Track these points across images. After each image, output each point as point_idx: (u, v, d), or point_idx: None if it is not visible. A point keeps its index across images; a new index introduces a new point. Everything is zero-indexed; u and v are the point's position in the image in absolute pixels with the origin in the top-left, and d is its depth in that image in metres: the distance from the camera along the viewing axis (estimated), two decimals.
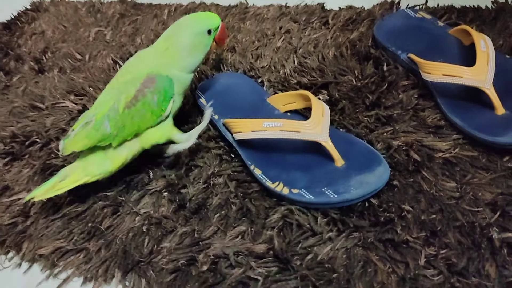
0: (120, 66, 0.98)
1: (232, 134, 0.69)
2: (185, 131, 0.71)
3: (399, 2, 0.93)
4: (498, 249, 0.51)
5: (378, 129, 0.69)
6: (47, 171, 0.77)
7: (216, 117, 0.74)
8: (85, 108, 0.88)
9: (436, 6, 0.90)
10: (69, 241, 0.65)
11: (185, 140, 0.69)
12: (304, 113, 0.73)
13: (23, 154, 0.82)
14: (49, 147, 0.82)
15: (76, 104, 0.90)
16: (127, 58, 0.96)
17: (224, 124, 0.71)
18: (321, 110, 0.64)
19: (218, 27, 0.67)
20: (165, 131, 0.67)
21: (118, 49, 1.05)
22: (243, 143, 0.67)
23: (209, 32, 0.66)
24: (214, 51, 0.88)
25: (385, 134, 0.68)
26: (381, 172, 0.58)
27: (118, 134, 0.63)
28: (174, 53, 0.65)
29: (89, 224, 0.66)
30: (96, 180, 0.67)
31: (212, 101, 0.75)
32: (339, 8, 0.98)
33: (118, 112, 0.62)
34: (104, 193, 0.70)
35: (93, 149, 0.65)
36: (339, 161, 0.61)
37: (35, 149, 0.82)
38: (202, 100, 0.78)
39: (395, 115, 0.70)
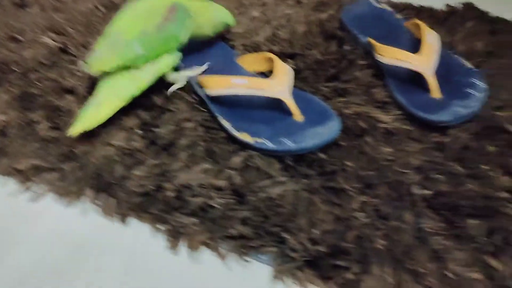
0: (100, 11, 1.03)
1: (203, 89, 0.76)
2: None
3: None
4: (417, 202, 0.62)
5: (334, 98, 0.78)
6: (26, 99, 0.81)
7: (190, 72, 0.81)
8: (65, 47, 0.92)
9: (397, 1, 1.01)
10: (45, 161, 0.70)
11: (173, 79, 0.78)
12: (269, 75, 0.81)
13: (1, 80, 0.86)
14: (28, 76, 0.86)
15: (55, 41, 0.95)
16: (106, 6, 1.01)
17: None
18: (284, 70, 0.73)
19: None
20: (173, 62, 0.75)
21: None
22: (213, 97, 0.75)
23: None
24: None
25: (339, 103, 0.77)
26: (332, 126, 0.68)
27: (147, 55, 0.71)
28: (203, 11, 0.78)
29: (64, 148, 0.72)
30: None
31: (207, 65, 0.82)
32: None
33: (148, 35, 0.70)
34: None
35: (119, 72, 0.72)
36: (298, 116, 0.70)
37: (13, 77, 0.86)
38: None
39: (350, 88, 0.80)
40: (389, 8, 0.94)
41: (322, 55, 0.86)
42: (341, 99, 0.78)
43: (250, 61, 0.81)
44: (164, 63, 0.75)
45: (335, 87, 0.80)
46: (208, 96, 0.76)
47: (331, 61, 0.85)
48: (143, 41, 0.71)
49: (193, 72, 0.79)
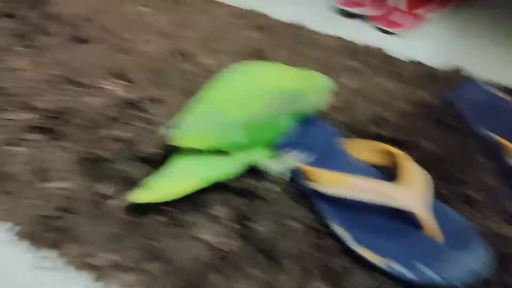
0: (172, 58, 0.91)
1: (308, 182, 0.64)
2: None
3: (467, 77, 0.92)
4: None
5: (456, 207, 0.67)
6: (92, 162, 0.69)
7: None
8: (135, 99, 0.80)
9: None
10: (124, 256, 0.58)
11: (271, 170, 0.67)
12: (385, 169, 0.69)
13: (64, 135, 0.73)
14: (94, 132, 0.74)
15: (123, 90, 0.82)
16: (180, 53, 0.90)
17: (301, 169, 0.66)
18: (418, 175, 0.61)
19: None
20: (268, 154, 0.66)
21: (168, 38, 0.97)
22: (319, 192, 0.63)
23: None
24: None
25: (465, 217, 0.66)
26: (479, 252, 0.56)
27: (248, 145, 0.61)
28: (309, 87, 0.68)
29: (144, 239, 0.59)
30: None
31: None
32: (406, 61, 0.96)
33: (254, 122, 0.61)
34: (163, 207, 0.63)
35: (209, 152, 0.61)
36: (437, 236, 0.58)
37: (76, 130, 0.74)
38: None
39: (473, 195, 0.68)
40: (504, 96, 0.83)
41: (436, 146, 0.75)
42: (467, 208, 0.66)
43: (361, 149, 0.70)
44: (261, 156, 0.65)
45: (455, 191, 0.68)
46: (315, 191, 0.63)
47: (446, 155, 0.74)
48: (248, 128, 0.61)
49: (294, 162, 0.67)
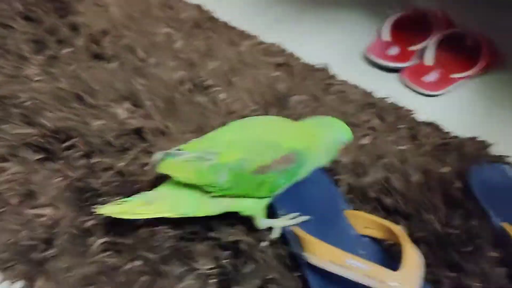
0: (187, 88, 0.89)
1: (301, 249, 0.60)
2: None
3: (491, 145, 0.87)
4: None
5: None
6: (82, 192, 0.66)
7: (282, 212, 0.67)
8: (141, 129, 0.78)
9: None
10: None
11: (261, 226, 0.65)
12: (383, 243, 0.66)
13: (59, 157, 0.71)
14: (90, 157, 0.71)
15: (130, 117, 0.80)
16: (195, 84, 0.87)
17: (293, 231, 0.63)
18: (415, 262, 0.57)
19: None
20: (258, 207, 0.63)
21: (188, 66, 0.95)
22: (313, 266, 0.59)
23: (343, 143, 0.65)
24: None
25: None
26: None
27: (227, 189, 0.57)
28: (317, 144, 0.63)
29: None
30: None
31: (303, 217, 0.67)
32: (424, 122, 0.92)
33: (243, 172, 0.57)
34: (145, 253, 0.60)
35: (189, 185, 0.58)
36: None
37: (74, 155, 0.72)
38: None
39: (475, 286, 0.64)
40: None
41: (442, 227, 0.71)
42: None
43: (363, 222, 0.66)
44: (244, 206, 0.62)
45: (460, 282, 0.64)
46: (306, 262, 0.60)
47: (453, 240, 0.69)
48: (234, 173, 0.57)
49: (290, 221, 0.64)
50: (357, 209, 0.70)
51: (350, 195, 0.73)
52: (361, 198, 0.73)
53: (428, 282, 0.62)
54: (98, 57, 0.93)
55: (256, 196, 0.61)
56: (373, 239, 0.66)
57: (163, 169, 0.57)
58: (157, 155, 0.58)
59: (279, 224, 0.65)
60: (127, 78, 0.88)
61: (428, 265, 0.64)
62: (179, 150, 0.58)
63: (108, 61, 0.92)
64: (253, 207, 0.62)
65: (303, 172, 0.63)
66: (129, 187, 0.68)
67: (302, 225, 0.65)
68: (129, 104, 0.83)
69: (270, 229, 0.65)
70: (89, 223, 0.62)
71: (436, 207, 0.73)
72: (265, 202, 0.63)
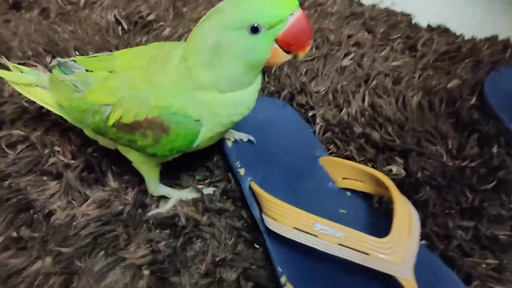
0: (123, 29, 0.72)
1: (261, 211, 0.45)
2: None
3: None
4: None
5: (475, 255, 0.46)
6: None
7: (241, 171, 0.50)
8: None
9: None
10: None
11: (154, 192, 0.51)
12: (367, 198, 0.50)
13: None
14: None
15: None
16: (135, 22, 0.71)
17: (251, 188, 0.48)
18: (407, 223, 0.41)
19: (282, 21, 0.37)
20: (146, 168, 0.49)
21: (126, 2, 0.77)
22: (275, 233, 0.44)
23: (255, 29, 0.36)
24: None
25: (484, 267, 0.45)
26: None
27: (98, 132, 0.46)
28: (195, 62, 0.40)
29: None
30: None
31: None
32: (429, 26, 0.72)
33: (106, 123, 0.43)
34: (56, 247, 0.46)
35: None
36: None
37: None
38: (227, 141, 0.55)
39: (502, 238, 0.47)
40: None
41: (453, 160, 0.53)
42: (488, 259, 0.46)
43: (342, 170, 0.50)
44: (131, 157, 0.48)
45: (478, 232, 0.47)
46: (266, 227, 0.44)
47: (467, 176, 0.52)
48: (98, 119, 0.44)
49: (191, 194, 0.51)
50: (337, 154, 0.54)
51: (328, 133, 0.57)
52: (342, 136, 0.56)
53: (430, 241, 0.46)
54: (16, 7, 0.76)
55: (144, 152, 0.45)
56: (357, 193, 0.50)
57: (51, 79, 0.48)
58: (54, 62, 0.48)
59: (177, 196, 0.51)
60: (50, 27, 0.71)
61: (433, 215, 0.48)
62: (74, 61, 0.47)
63: (26, 10, 0.75)
64: (139, 160, 0.48)
65: (225, 110, 0.42)
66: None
67: (265, 178, 0.50)
68: (52, 57, 0.67)
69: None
70: None
71: (443, 135, 0.56)
72: (163, 160, 0.48)
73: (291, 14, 0.36)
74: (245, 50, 0.38)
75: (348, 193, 0.50)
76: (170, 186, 0.52)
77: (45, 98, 0.50)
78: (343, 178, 0.50)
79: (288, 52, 0.39)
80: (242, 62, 0.38)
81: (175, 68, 0.41)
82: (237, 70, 0.39)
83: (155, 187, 0.50)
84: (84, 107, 0.44)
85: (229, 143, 0.54)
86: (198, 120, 0.41)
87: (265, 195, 0.45)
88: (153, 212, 0.50)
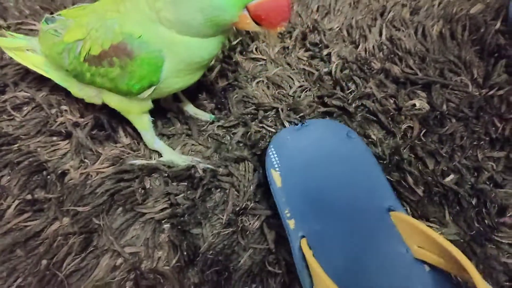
0: None
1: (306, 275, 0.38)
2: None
3: None
4: None
5: (508, 185, 0.44)
6: None
7: (290, 223, 0.41)
8: None
9: None
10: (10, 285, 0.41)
11: (149, 145, 0.49)
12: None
13: None
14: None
15: None
16: None
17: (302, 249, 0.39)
18: None
19: None
20: (134, 117, 0.47)
21: None
22: None
23: None
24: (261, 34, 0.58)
25: None
26: None
27: (76, 75, 0.45)
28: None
29: (43, 262, 0.42)
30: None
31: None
32: None
33: (78, 59, 0.43)
34: (73, 207, 0.45)
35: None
36: None
37: None
38: (274, 174, 0.44)
39: None
40: None
41: (478, 88, 0.50)
42: None
43: (418, 236, 0.38)
44: (114, 102, 0.46)
45: (509, 165, 0.45)
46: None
47: (496, 104, 0.49)
48: (73, 57, 0.43)
49: (191, 159, 0.49)
50: (356, 92, 0.51)
51: (346, 71, 0.53)
52: (361, 73, 0.53)
53: (460, 174, 0.44)
54: None
55: (118, 92, 0.43)
56: (439, 270, 0.37)
57: (40, 34, 0.48)
58: (44, 17, 0.48)
59: (169, 157, 0.48)
60: None
61: (462, 148, 0.46)
62: (59, 15, 0.47)
63: None
64: (122, 105, 0.46)
65: (188, 49, 0.39)
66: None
67: (321, 235, 0.40)
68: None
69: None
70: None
71: (468, 64, 0.53)
72: (144, 104, 0.45)
73: None
74: (210, 6, 0.34)
75: (427, 268, 0.38)
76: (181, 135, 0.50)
77: (35, 62, 0.50)
78: (418, 247, 0.38)
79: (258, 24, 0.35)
80: (204, 16, 0.35)
81: None
82: (198, 21, 0.36)
83: (149, 139, 0.48)
84: (61, 48, 0.44)
85: (278, 182, 0.43)
86: (160, 50, 0.38)
87: (317, 268, 0.35)
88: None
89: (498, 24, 0.56)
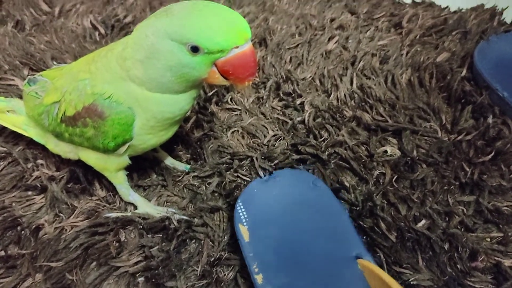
0: (100, 34, 0.70)
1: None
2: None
3: (502, 12, 0.66)
4: None
5: (478, 229, 0.45)
6: None
7: (258, 278, 0.41)
8: None
9: None
10: None
11: (124, 198, 0.49)
12: None
13: None
14: None
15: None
16: (112, 26, 0.69)
17: None
18: None
19: (223, 51, 0.35)
20: (109, 173, 0.47)
21: (102, 6, 0.76)
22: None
23: (195, 49, 0.35)
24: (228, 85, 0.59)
25: (489, 241, 0.43)
26: None
27: (56, 135, 0.46)
28: (131, 55, 0.38)
29: None
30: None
31: None
32: (413, 1, 0.71)
33: (56, 120, 0.44)
34: (46, 263, 0.44)
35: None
36: None
37: None
38: (242, 229, 0.44)
39: (505, 209, 0.45)
40: None
41: (447, 133, 0.52)
42: (493, 232, 0.44)
43: (377, 282, 0.39)
44: (90, 159, 0.46)
45: (479, 206, 0.46)
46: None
47: (464, 149, 0.50)
48: (52, 118, 0.44)
49: (162, 210, 0.49)
50: (329, 140, 0.52)
51: (318, 119, 0.55)
52: (333, 121, 0.55)
53: (431, 220, 0.44)
54: None
55: (96, 148, 0.43)
56: None
57: (23, 96, 0.49)
58: (27, 79, 0.49)
59: (144, 210, 0.48)
60: (25, 39, 0.70)
61: (433, 193, 0.46)
62: (40, 76, 0.48)
63: (1, 24, 0.73)
64: (99, 163, 0.46)
65: (160, 106, 0.39)
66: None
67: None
68: (29, 70, 0.65)
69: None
70: None
71: (436, 110, 0.54)
72: (121, 161, 0.45)
73: (237, 47, 0.35)
74: (179, 64, 0.36)
75: None
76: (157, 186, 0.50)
77: (15, 122, 0.51)
78: None
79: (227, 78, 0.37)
80: (173, 73, 0.37)
81: (116, 56, 0.39)
82: (167, 78, 0.37)
83: (124, 192, 0.49)
84: (42, 109, 0.45)
85: (246, 237, 0.44)
86: (130, 108, 0.39)
87: None
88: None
89: (464, 71, 0.58)
